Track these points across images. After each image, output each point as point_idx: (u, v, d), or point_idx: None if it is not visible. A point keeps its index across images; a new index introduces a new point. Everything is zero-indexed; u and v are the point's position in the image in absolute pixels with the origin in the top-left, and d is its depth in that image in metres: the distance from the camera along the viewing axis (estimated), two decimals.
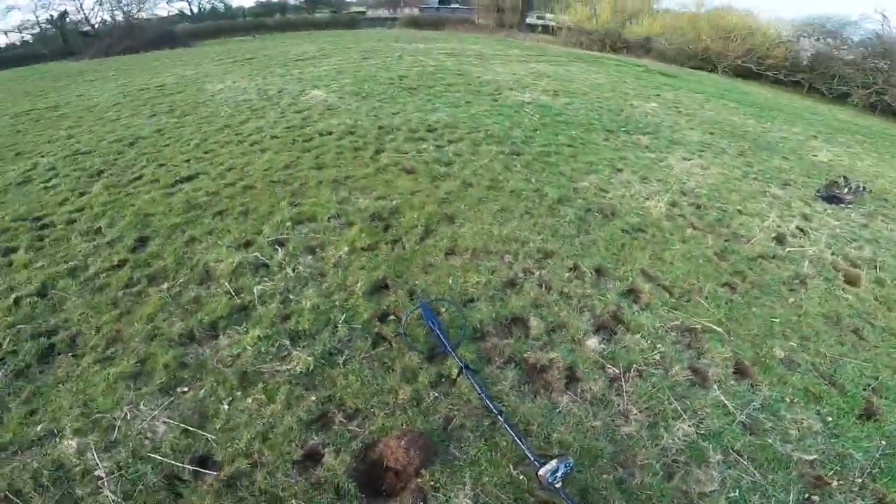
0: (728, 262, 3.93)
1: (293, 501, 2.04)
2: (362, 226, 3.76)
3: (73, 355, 2.72)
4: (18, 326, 2.93)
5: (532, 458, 2.10)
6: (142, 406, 2.40)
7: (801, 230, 4.68)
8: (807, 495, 2.20)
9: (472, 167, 4.92)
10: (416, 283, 3.20)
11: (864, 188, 5.72)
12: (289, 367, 2.56)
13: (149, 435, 2.27)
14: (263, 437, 2.27)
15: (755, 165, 6.24)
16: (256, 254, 3.44)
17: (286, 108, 7.29)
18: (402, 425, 2.33)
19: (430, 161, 5.02)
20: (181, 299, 3.08)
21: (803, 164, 6.68)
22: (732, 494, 2.25)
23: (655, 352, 2.91)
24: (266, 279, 3.16)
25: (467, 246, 3.59)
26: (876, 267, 4.21)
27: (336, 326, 2.80)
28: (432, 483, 2.13)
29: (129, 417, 2.34)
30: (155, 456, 2.17)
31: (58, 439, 2.26)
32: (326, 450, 2.22)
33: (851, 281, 4.05)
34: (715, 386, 2.78)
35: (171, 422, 2.32)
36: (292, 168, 5.01)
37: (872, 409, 2.77)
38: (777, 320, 3.37)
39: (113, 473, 2.10)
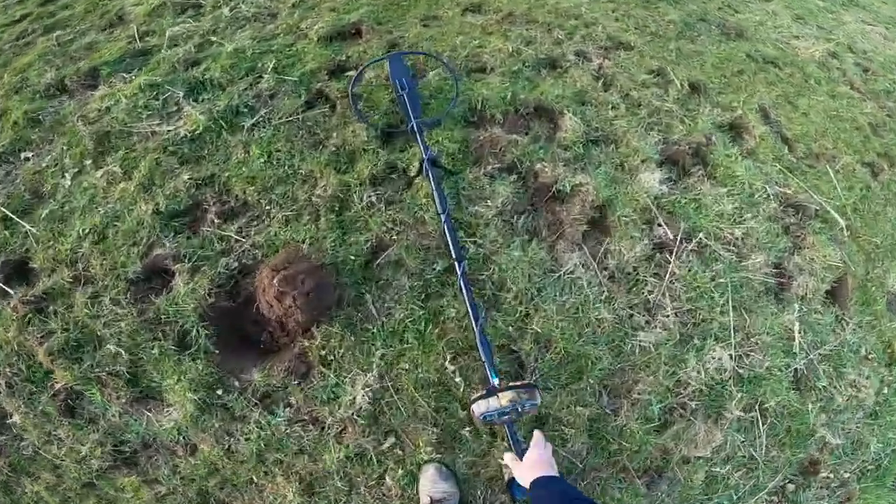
0: (882, 138, 2.56)
1: (112, 345, 1.33)
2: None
3: None
4: None
5: (487, 363, 1.24)
6: None
7: None
8: (787, 480, 1.59)
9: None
10: (406, 35, 2.06)
11: None
12: (170, 129, 1.67)
13: None
14: (100, 234, 1.49)
15: None
16: None
17: None
18: (305, 242, 1.43)
19: None
20: (71, 47, 2.19)
21: None
22: (718, 469, 1.46)
23: (740, 223, 1.75)
24: (190, 21, 2.17)
25: (501, 7, 2.33)
26: None
27: (261, 77, 1.82)
28: (323, 352, 1.32)
29: None
30: None
31: None
32: (179, 266, 1.41)
33: None
34: (795, 305, 1.68)
35: None
36: None
37: None
38: None
39: None
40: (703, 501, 1.47)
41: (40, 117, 1.82)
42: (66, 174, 1.63)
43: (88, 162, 1.64)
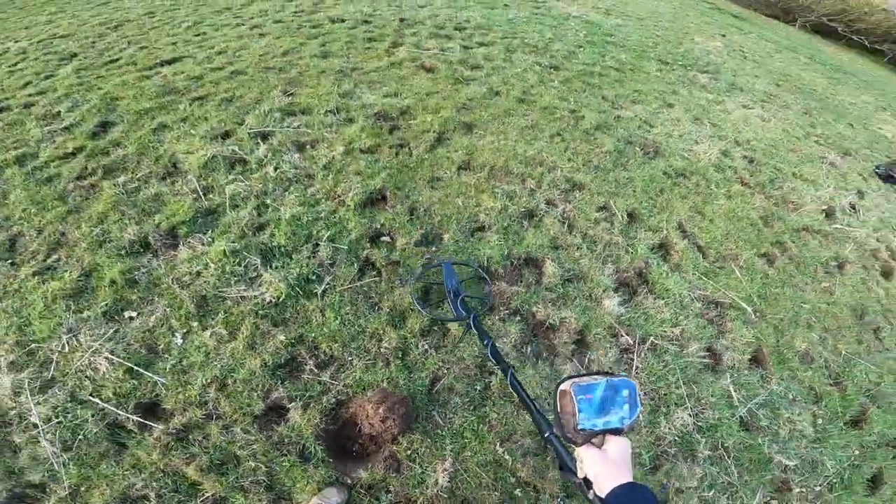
0: (772, 229, 3.45)
1: (251, 462, 1.74)
2: (365, 124, 3.16)
3: (11, 263, 2.29)
4: None
5: (540, 418, 1.12)
6: (82, 336, 2.00)
7: (853, 207, 4.08)
8: (768, 499, 2.07)
9: (503, 75, 4.16)
10: (420, 198, 2.70)
11: None
12: (257, 294, 2.15)
13: (89, 374, 1.90)
14: (221, 383, 1.91)
15: (819, 128, 5.41)
16: (234, 147, 2.89)
17: None
18: (382, 381, 1.97)
19: (455, 62, 4.24)
20: (138, 196, 2.59)
21: (868, 135, 5.80)
22: (706, 494, 2.03)
23: (676, 325, 2.51)
24: (241, 178, 2.65)
25: (485, 162, 3.04)
26: None
27: (318, 245, 2.34)
28: (409, 452, 1.83)
29: (67, 349, 1.96)
30: (95, 400, 1.83)
31: None
32: (293, 405, 1.88)
33: (886, 273, 3.57)
34: (727, 373, 2.44)
35: (115, 358, 1.93)
36: (292, 55, 4.25)
37: (863, 417, 2.54)
38: (806, 306, 2.97)
39: (51, 420, 1.77)
40: None
41: (136, 278, 2.20)
42: (177, 334, 2.03)
43: (195, 324, 2.06)
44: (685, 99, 4.86)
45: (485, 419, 1.96)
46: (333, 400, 1.91)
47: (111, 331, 2.03)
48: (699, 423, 2.19)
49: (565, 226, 2.74)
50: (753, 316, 2.77)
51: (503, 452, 1.89)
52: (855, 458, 2.31)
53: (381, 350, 2.04)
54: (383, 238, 2.45)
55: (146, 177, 2.70)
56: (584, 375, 0.92)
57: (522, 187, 2.91)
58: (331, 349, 2.02)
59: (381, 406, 1.78)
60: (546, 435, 0.99)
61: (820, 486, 2.17)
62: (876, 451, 2.37)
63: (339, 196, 2.59)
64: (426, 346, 2.07)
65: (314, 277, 2.22)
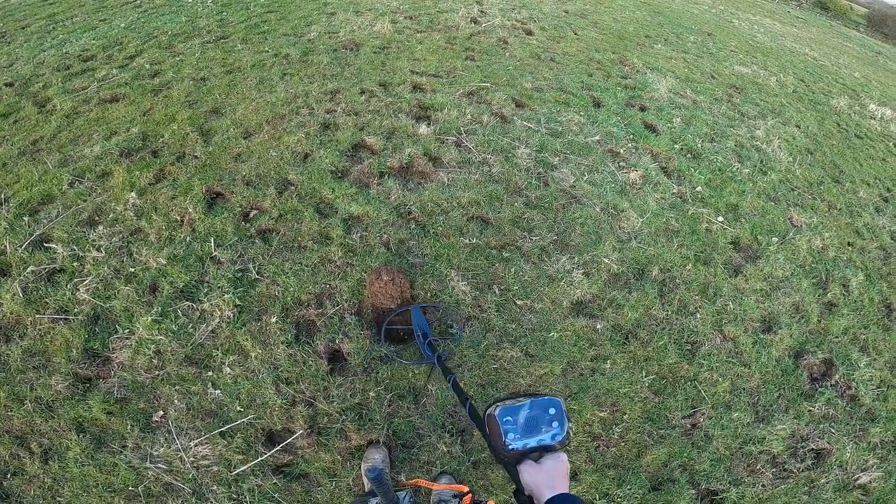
0: (457, 45, 4.73)
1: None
2: (125, 167, 2.88)
3: None
4: None
5: None
6: None
7: (482, 12, 5.78)
8: (615, 163, 3.43)
9: (189, 67, 4.06)
10: (244, 172, 2.84)
11: None
12: (216, 316, 2.13)
13: None
14: None
15: None
16: (30, 272, 2.34)
17: None
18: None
19: (129, 81, 3.90)
20: None
21: None
22: (585, 177, 3.20)
23: (465, 115, 3.50)
24: (76, 282, 2.26)
25: (259, 122, 3.26)
26: (535, 21, 5.71)
27: (213, 256, 2.36)
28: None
29: None
30: None
31: None
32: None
33: (528, 32, 5.44)
34: (515, 119, 3.60)
35: None
36: None
37: (598, 101, 4.17)
38: (510, 67, 4.38)
39: None
40: None
41: None
42: None
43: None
44: (336, 4, 5.60)
45: None
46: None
47: None
48: (535, 149, 3.35)
49: (352, 115, 3.32)
50: (493, 86, 3.98)
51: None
52: (612, 124, 3.85)
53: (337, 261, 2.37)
54: (252, 213, 2.57)
55: None
56: (509, 398, 0.93)
57: (303, 116, 3.27)
58: (302, 297, 2.27)
59: (383, 273, 2.18)
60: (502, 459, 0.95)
61: (630, 142, 3.72)
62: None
63: (181, 220, 2.50)
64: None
65: (240, 274, 2.28)
